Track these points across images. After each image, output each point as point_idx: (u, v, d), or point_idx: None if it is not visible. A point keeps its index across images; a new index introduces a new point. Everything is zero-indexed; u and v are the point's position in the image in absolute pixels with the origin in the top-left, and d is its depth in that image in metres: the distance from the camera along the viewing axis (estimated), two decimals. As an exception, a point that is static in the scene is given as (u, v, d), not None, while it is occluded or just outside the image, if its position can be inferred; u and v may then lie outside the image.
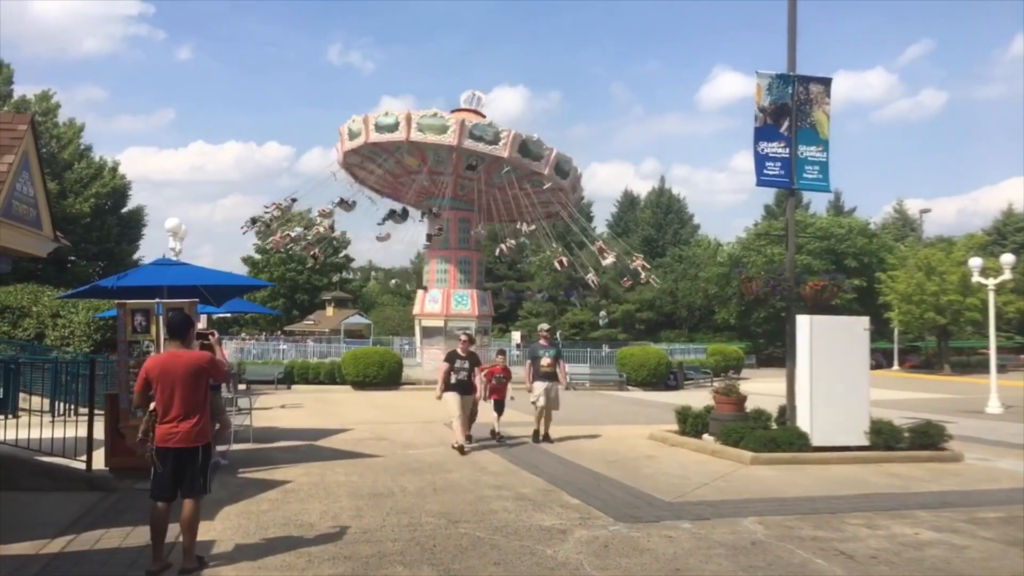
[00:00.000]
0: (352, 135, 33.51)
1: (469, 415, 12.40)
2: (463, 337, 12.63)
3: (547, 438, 13.41)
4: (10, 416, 12.45)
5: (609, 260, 34.68)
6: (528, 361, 13.62)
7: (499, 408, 13.33)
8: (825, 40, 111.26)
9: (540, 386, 13.13)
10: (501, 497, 8.77)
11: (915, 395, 27.94)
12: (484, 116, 35.05)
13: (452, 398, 12.13)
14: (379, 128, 32.42)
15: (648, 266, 35.69)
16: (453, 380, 12.14)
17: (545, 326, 14.13)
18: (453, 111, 35.98)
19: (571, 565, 6.23)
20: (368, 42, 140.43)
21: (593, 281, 35.18)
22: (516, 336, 53.65)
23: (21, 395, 15.04)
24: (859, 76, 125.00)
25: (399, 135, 31.88)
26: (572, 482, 9.68)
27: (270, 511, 8.01)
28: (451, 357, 12.32)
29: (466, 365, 12.23)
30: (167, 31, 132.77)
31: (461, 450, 11.86)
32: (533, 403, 13.30)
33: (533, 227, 33.94)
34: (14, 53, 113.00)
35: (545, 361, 13.23)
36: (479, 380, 12.55)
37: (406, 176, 34.35)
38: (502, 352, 14.30)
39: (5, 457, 9.06)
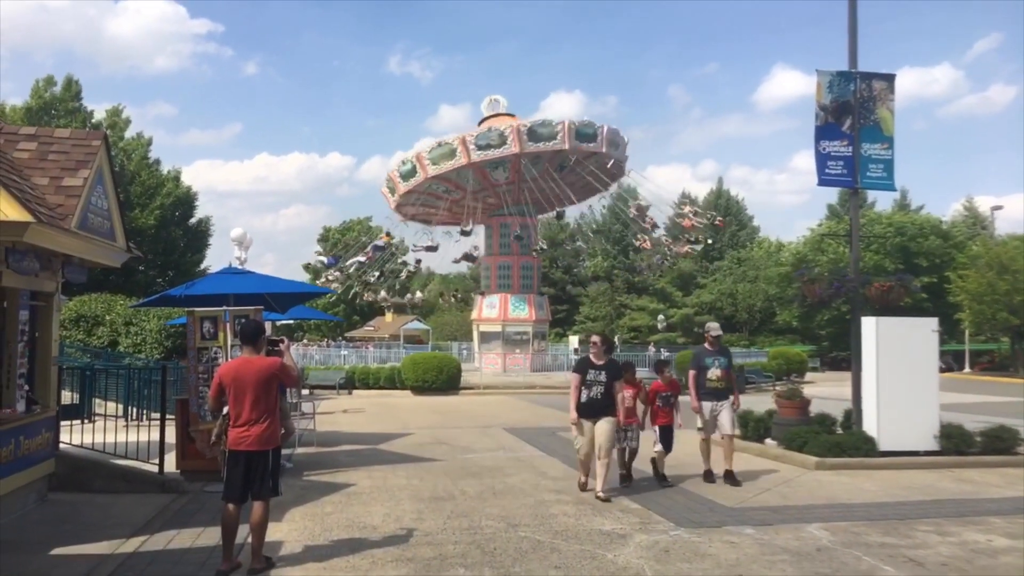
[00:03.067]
0: (405, 176, 34.14)
1: (607, 445, 8.87)
2: (595, 339, 9.32)
3: (729, 477, 9.90)
4: (86, 421, 12.94)
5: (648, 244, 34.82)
6: (691, 372, 10.28)
7: (666, 439, 9.97)
8: (888, 37, 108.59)
9: (707, 407, 10.12)
10: (561, 501, 8.78)
11: (987, 398, 26.98)
12: (514, 116, 35.66)
13: (580, 424, 9.03)
14: (434, 160, 32.91)
15: (695, 217, 35.43)
16: (583, 398, 8.97)
17: (715, 325, 10.66)
18: (481, 121, 36.38)
19: (632, 569, 6.21)
20: (427, 51, 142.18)
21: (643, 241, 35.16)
22: (573, 341, 53.55)
23: (96, 401, 15.61)
24: (925, 72, 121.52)
25: (459, 160, 32.28)
26: (632, 487, 9.63)
27: (334, 513, 8.17)
28: (582, 366, 9.16)
29: (601, 377, 8.94)
30: (234, 48, 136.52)
31: (583, 487, 9.32)
32: (701, 429, 10.27)
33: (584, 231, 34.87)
34: (91, 71, 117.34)
35: (714, 373, 10.06)
36: (623, 399, 9.25)
37: (462, 198, 34.77)
38: (666, 363, 10.69)
39: (82, 460, 9.42)
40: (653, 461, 10.04)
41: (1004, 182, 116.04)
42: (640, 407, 9.96)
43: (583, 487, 9.32)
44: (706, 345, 10.37)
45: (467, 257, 36.15)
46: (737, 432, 11.00)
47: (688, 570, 6.20)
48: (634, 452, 9.85)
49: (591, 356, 9.17)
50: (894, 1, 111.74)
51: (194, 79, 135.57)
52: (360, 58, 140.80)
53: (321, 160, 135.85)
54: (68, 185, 7.55)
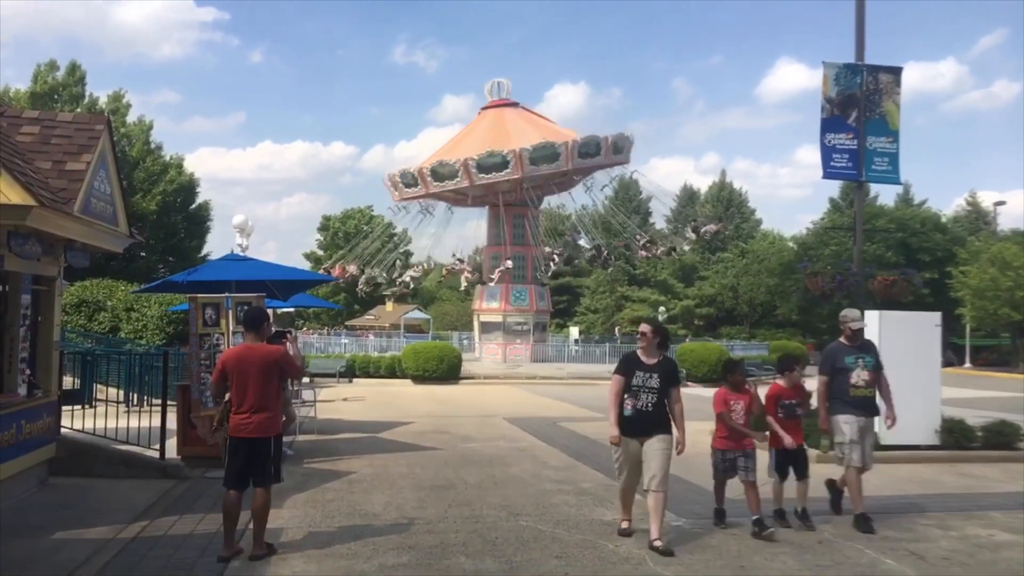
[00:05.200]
0: (408, 183, 34.79)
1: (662, 473, 6.49)
2: (644, 330, 6.87)
3: (862, 522, 7.17)
4: (87, 406, 12.95)
5: (661, 249, 35.35)
6: (822, 377, 7.75)
7: (799, 463, 7.40)
8: (893, 31, 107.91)
9: (851, 424, 7.46)
10: (562, 491, 8.78)
11: (988, 393, 26.97)
12: (517, 103, 36.30)
13: (622, 443, 6.71)
14: (437, 177, 33.41)
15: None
16: (629, 409, 6.62)
17: (855, 313, 7.92)
18: (484, 108, 36.86)
19: (634, 560, 6.20)
20: (431, 41, 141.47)
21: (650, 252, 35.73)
22: (574, 332, 53.53)
23: (97, 386, 15.60)
24: (929, 67, 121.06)
25: (461, 182, 32.76)
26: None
27: (335, 500, 8.17)
28: (626, 366, 6.78)
29: (653, 382, 6.61)
30: (240, 36, 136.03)
31: (625, 531, 6.90)
32: (839, 456, 7.71)
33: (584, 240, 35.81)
34: (96, 58, 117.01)
35: (859, 376, 7.54)
36: (680, 408, 6.76)
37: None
38: (795, 360, 7.74)
39: (84, 445, 9.42)
40: (749, 489, 7.11)
41: (1007, 178, 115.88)
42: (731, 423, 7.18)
43: (624, 531, 6.85)
44: (843, 340, 7.76)
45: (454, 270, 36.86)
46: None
47: (690, 561, 6.20)
48: (753, 485, 7.10)
49: (639, 352, 6.79)
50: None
51: (199, 67, 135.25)
52: (365, 47, 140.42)
53: (324, 149, 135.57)
54: (71, 169, 7.53)
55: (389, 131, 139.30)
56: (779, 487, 7.44)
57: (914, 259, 47.70)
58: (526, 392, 23.65)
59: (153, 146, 47.23)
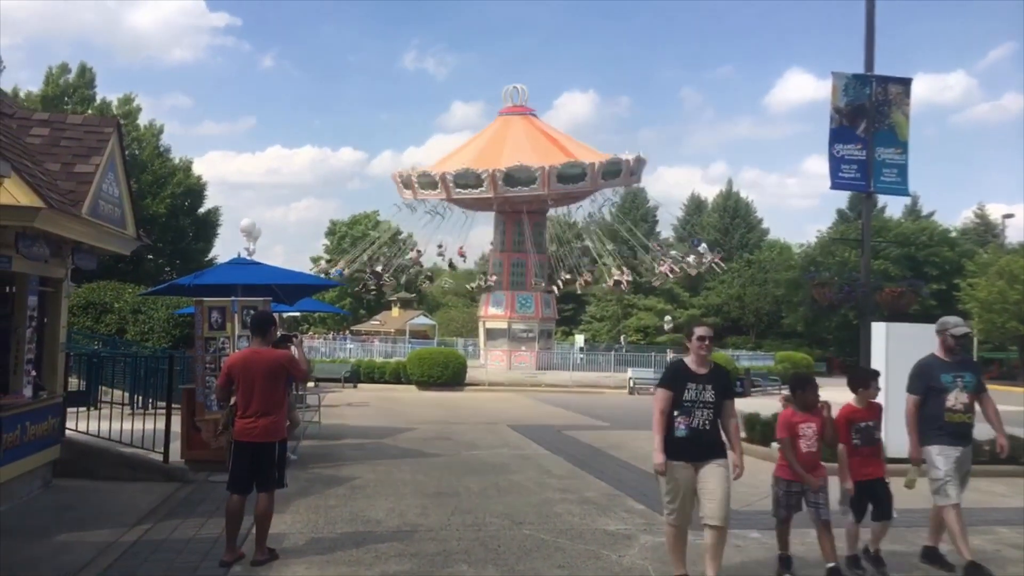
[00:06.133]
0: (425, 185, 34.88)
1: (724, 508, 5.52)
2: (702, 332, 5.74)
3: (973, 572, 6.01)
4: (92, 408, 12.96)
5: (664, 267, 35.44)
6: (913, 396, 6.47)
7: (881, 501, 6.25)
8: (903, 42, 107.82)
9: (947, 455, 6.29)
10: (566, 500, 8.75)
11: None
12: (532, 109, 36.71)
13: (672, 472, 5.62)
14: (423, 186, 33.87)
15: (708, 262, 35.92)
16: (682, 429, 5.58)
17: (955, 320, 6.70)
18: (501, 112, 37.14)
19: (636, 570, 6.18)
20: (441, 48, 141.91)
21: (665, 273, 35.85)
22: (579, 340, 53.44)
23: (102, 388, 15.62)
24: (939, 79, 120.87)
25: (485, 192, 33.06)
26: (637, 487, 9.59)
27: (338, 507, 8.15)
28: (675, 377, 5.74)
29: (708, 395, 5.61)
30: (251, 41, 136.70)
31: None
32: (935, 491, 6.34)
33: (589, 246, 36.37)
34: (107, 62, 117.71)
35: (959, 398, 6.35)
36: (736, 425, 5.81)
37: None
38: (871, 375, 6.56)
39: (88, 447, 9.43)
40: (822, 530, 5.98)
41: (1016, 190, 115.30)
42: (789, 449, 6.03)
43: None
44: (937, 353, 6.55)
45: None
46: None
47: (693, 572, 6.15)
48: (827, 525, 5.95)
49: (689, 361, 5.74)
50: (910, 7, 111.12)
51: (210, 71, 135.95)
52: (375, 53, 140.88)
53: (333, 154, 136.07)
54: (80, 171, 7.56)
55: (398, 137, 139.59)
56: (854, 528, 6.27)
57: (921, 273, 47.57)
58: (531, 400, 23.61)
59: (162, 149, 47.44)
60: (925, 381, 6.47)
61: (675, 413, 5.61)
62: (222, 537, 6.28)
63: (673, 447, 5.60)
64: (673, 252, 36.63)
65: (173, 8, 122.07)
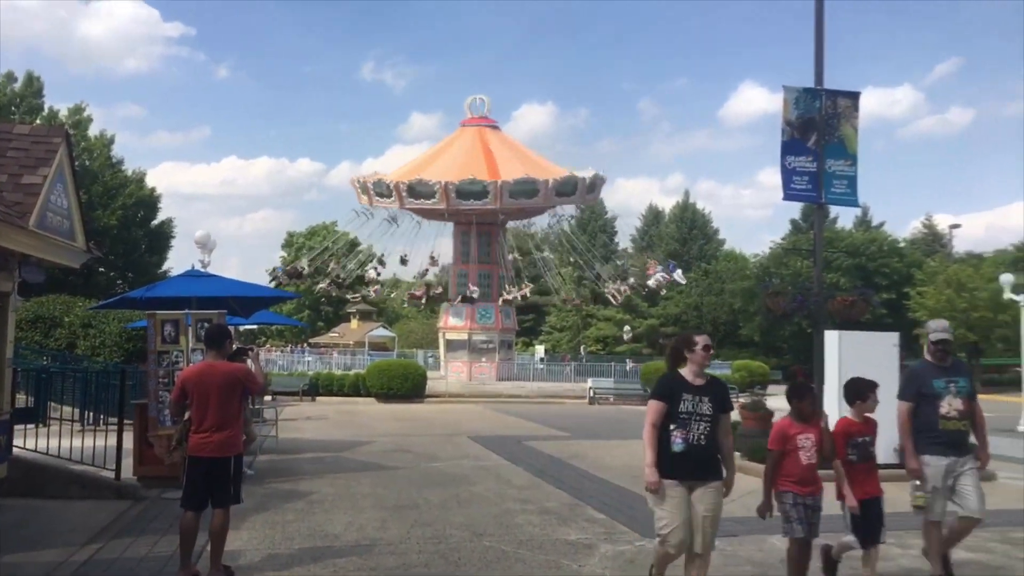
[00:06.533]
0: (381, 193, 34.93)
1: (711, 533, 5.31)
2: (700, 340, 5.46)
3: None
4: (40, 425, 12.63)
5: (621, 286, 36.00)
6: (905, 404, 6.28)
7: (867, 523, 5.80)
8: (852, 57, 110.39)
9: (936, 467, 6.07)
10: (526, 511, 8.74)
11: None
12: (494, 121, 36.98)
13: (667, 492, 5.20)
14: (378, 194, 33.96)
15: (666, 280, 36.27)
16: (679, 443, 5.19)
17: (941, 324, 6.52)
18: (464, 123, 37.27)
19: (597, 580, 6.18)
20: (400, 59, 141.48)
21: (614, 294, 36.01)
22: (540, 350, 53.56)
23: (51, 404, 15.24)
24: (887, 93, 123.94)
25: (438, 203, 33.16)
26: (597, 496, 9.63)
27: (295, 521, 8.05)
28: (669, 387, 5.36)
29: (705, 408, 5.26)
30: (206, 51, 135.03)
31: None
32: (918, 506, 6.20)
33: (547, 254, 36.35)
34: (59, 72, 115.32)
35: (953, 404, 6.12)
36: (731, 443, 5.50)
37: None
38: (869, 386, 5.99)
39: (36, 465, 9.18)
40: (826, 554, 6.14)
41: (962, 201, 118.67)
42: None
43: None
44: (928, 357, 6.36)
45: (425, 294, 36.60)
46: (981, 518, 6.14)
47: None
48: (830, 550, 6.08)
49: (685, 372, 5.40)
50: (859, 22, 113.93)
51: (164, 81, 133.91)
52: (332, 64, 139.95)
53: (291, 165, 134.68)
54: (27, 183, 7.37)
55: (356, 148, 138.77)
56: (875, 551, 5.87)
57: (871, 282, 48.65)
58: (491, 410, 23.58)
59: (114, 160, 46.61)
60: (916, 387, 6.24)
61: (671, 427, 5.22)
62: (176, 555, 6.15)
63: (668, 463, 5.19)
64: (630, 280, 36.80)
65: (126, 17, 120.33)
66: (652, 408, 5.33)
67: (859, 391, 5.97)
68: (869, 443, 5.91)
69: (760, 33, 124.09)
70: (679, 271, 37.41)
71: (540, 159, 38.08)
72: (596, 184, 36.75)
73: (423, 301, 35.88)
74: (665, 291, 37.55)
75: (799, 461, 5.60)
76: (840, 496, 5.79)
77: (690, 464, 5.19)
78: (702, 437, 5.21)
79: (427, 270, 36.62)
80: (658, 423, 5.26)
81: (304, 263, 37.15)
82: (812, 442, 5.64)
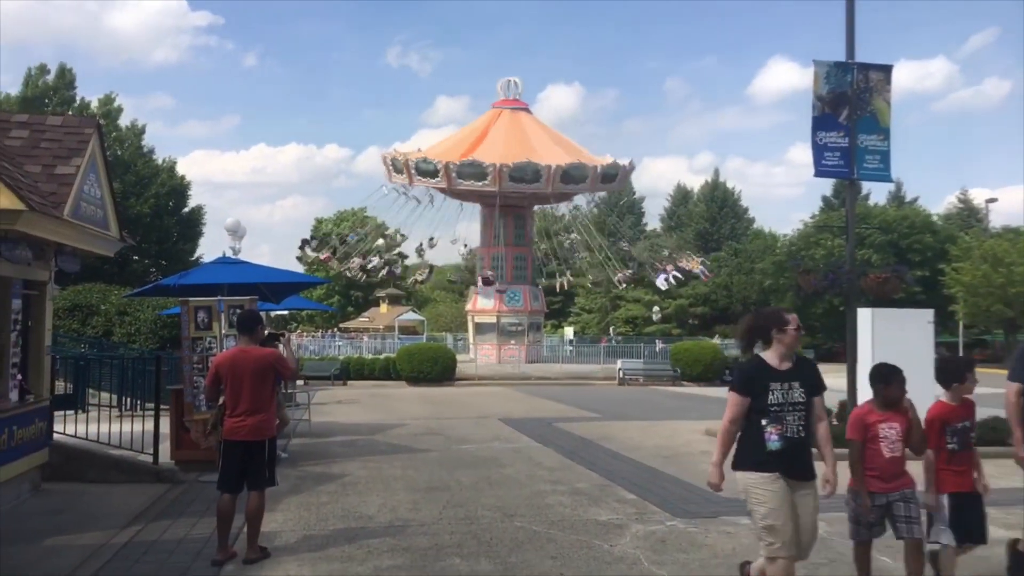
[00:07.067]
0: (396, 170, 34.89)
1: (811, 540, 4.76)
2: (789, 319, 4.82)
3: None
4: (79, 411, 12.89)
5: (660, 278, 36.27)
6: (1015, 385, 5.47)
7: (965, 516, 5.25)
8: (885, 29, 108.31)
9: None
10: (557, 492, 8.77)
11: (982, 390, 26.94)
12: (526, 104, 36.72)
13: (760, 488, 4.60)
14: (420, 172, 33.68)
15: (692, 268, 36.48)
16: (775, 440, 4.59)
17: None
18: (495, 105, 36.99)
19: (628, 560, 6.20)
20: (425, 43, 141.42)
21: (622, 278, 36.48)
22: (569, 332, 53.53)
23: (90, 391, 15.54)
24: (920, 65, 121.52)
25: (440, 182, 33.05)
26: (628, 477, 9.63)
27: (329, 503, 8.15)
28: (754, 376, 4.74)
29: (796, 394, 4.67)
30: (234, 40, 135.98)
31: None
32: None
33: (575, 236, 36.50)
34: (89, 64, 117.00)
35: None
36: (826, 429, 4.84)
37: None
38: (967, 365, 5.61)
39: (76, 450, 9.38)
40: (934, 558, 5.35)
41: (998, 175, 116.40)
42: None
43: None
44: None
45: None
46: None
47: (684, 560, 6.20)
48: (919, 545, 5.10)
49: (769, 357, 4.75)
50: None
51: (193, 71, 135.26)
52: (359, 50, 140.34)
53: (318, 151, 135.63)
54: (61, 173, 7.49)
55: (383, 133, 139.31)
56: (953, 553, 5.25)
57: (904, 259, 47.89)
58: (521, 393, 23.65)
59: (145, 150, 47.14)
60: None
61: (762, 422, 4.59)
62: (213, 536, 6.26)
63: (763, 460, 4.58)
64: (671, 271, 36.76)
65: (154, 8, 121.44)
66: (732, 403, 4.71)
67: (956, 371, 5.40)
68: (969, 428, 5.31)
69: (789, 7, 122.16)
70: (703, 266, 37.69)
71: (571, 142, 37.90)
72: (630, 171, 37.46)
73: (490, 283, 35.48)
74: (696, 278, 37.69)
75: (881, 453, 5.01)
76: (943, 488, 5.21)
77: (787, 461, 4.58)
78: (800, 428, 4.62)
79: (468, 249, 36.73)
80: (738, 420, 4.68)
81: (337, 243, 37.10)
82: (897, 432, 5.03)
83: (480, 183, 32.89)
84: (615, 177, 35.49)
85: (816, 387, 4.78)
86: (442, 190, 35.27)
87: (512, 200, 34.26)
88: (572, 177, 33.31)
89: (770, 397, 4.61)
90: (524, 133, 35.63)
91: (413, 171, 34.39)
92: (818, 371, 4.91)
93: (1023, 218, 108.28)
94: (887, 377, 5.17)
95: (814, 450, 4.79)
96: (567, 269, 36.40)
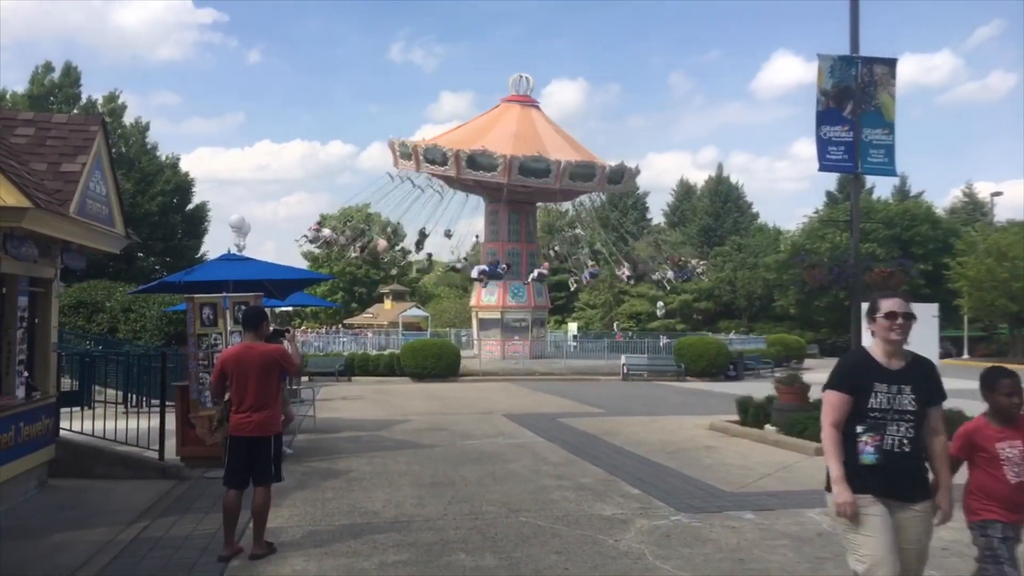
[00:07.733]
0: (404, 156, 34.64)
1: (920, 570, 3.97)
2: (891, 305, 3.92)
3: None
4: (86, 407, 12.93)
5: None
6: None
7: None
8: (889, 23, 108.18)
9: None
10: (561, 487, 8.79)
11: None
12: (536, 101, 36.41)
13: (861, 512, 3.79)
14: (429, 159, 33.37)
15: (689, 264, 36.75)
16: (870, 453, 3.82)
17: None
18: (505, 100, 36.81)
19: (633, 554, 6.22)
20: (429, 39, 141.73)
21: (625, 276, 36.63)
22: (573, 328, 53.51)
23: (96, 387, 15.59)
24: (925, 59, 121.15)
25: (448, 170, 32.79)
26: (632, 472, 9.65)
27: (335, 499, 8.18)
28: (857, 373, 3.94)
29: (907, 401, 3.86)
30: (238, 37, 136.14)
31: None
32: None
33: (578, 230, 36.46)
34: (94, 61, 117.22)
35: None
36: (943, 444, 4.08)
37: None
38: None
39: (83, 446, 9.42)
40: None
41: (1004, 168, 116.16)
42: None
43: None
44: None
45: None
46: None
47: (689, 555, 6.22)
48: None
49: (874, 352, 3.99)
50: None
51: (197, 68, 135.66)
52: (362, 46, 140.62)
53: (323, 148, 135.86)
54: (66, 171, 7.52)
55: (387, 129, 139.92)
56: None
57: (908, 253, 47.80)
58: (525, 388, 23.67)
59: (150, 147, 47.20)
60: None
61: (857, 428, 3.85)
62: (220, 532, 6.30)
63: (857, 479, 3.82)
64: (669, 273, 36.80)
65: (159, 6, 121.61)
66: (830, 402, 3.94)
67: None
68: None
69: (792, 2, 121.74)
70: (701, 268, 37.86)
71: (578, 142, 37.82)
72: (636, 172, 37.23)
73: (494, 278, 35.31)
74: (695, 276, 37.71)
75: (1004, 479, 4.10)
76: None
77: (886, 479, 3.82)
78: (904, 443, 3.83)
79: (477, 242, 36.63)
80: (841, 422, 3.89)
81: (336, 233, 36.65)
82: (1019, 452, 4.12)
83: (489, 174, 32.54)
84: (621, 178, 35.39)
85: (934, 395, 3.98)
86: (448, 180, 34.81)
87: (517, 195, 34.06)
88: (580, 175, 33.21)
89: (872, 400, 3.85)
90: (534, 128, 35.41)
91: (421, 157, 33.84)
92: (938, 375, 4.07)
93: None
94: (994, 383, 4.21)
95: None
96: (575, 270, 36.41)
